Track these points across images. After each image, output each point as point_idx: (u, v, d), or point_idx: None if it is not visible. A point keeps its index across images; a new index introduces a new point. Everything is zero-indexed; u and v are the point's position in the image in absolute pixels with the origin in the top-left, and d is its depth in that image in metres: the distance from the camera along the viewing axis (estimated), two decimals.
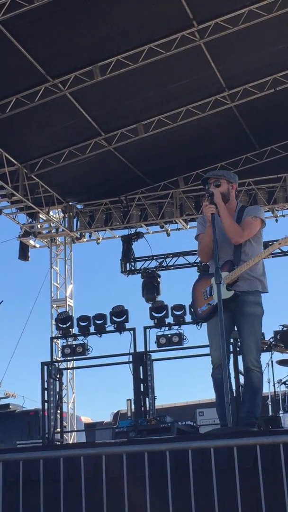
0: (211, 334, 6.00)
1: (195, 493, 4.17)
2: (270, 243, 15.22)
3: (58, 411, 12.55)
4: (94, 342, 12.81)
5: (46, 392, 12.30)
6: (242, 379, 7.91)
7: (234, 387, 7.24)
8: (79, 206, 16.10)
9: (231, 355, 7.87)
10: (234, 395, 8.65)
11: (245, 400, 5.98)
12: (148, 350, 12.30)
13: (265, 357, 10.92)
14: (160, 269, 15.45)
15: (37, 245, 16.58)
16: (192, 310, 11.19)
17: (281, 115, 13.47)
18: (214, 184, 6.09)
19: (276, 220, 15.18)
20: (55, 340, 13.68)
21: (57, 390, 12.55)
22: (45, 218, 15.94)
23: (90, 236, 16.40)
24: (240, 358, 6.80)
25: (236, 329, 6.06)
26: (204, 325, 6.26)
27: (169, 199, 15.33)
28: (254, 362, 5.91)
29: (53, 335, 14.43)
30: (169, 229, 15.82)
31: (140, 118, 13.26)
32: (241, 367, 7.13)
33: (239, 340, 6.06)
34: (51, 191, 15.15)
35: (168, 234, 15.84)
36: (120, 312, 12.62)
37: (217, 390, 5.90)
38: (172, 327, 12.38)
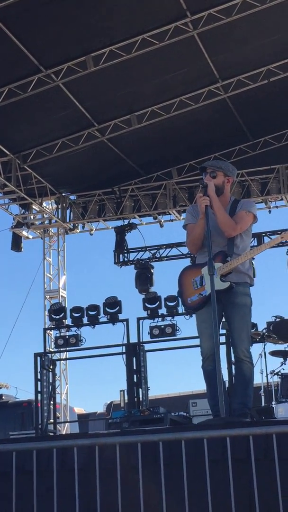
0: (201, 325, 6.01)
1: (188, 483, 4.18)
2: (264, 234, 15.29)
3: (51, 402, 12.57)
4: (87, 333, 12.84)
5: (39, 383, 12.32)
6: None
7: (224, 378, 7.26)
8: (72, 197, 16.08)
9: (222, 347, 7.88)
10: (227, 385, 8.68)
11: (236, 391, 5.99)
12: (141, 341, 12.32)
13: (258, 348, 10.96)
14: (153, 260, 15.45)
15: (30, 236, 16.56)
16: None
17: (274, 106, 13.47)
18: (211, 175, 6.08)
19: (269, 212, 15.19)
20: (48, 331, 13.68)
21: (50, 381, 12.57)
22: (38, 209, 15.91)
23: (83, 227, 16.38)
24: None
25: (224, 320, 6.08)
26: (194, 316, 6.27)
27: (163, 190, 15.32)
28: (245, 353, 5.92)
29: (46, 326, 14.43)
30: (162, 220, 15.81)
31: (133, 109, 13.24)
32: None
33: (229, 331, 6.07)
34: (44, 182, 15.13)
35: (161, 225, 15.83)
36: (113, 303, 12.62)
37: (208, 381, 5.91)
38: (165, 318, 12.40)
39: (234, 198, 6.42)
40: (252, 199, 14.87)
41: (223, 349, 6.07)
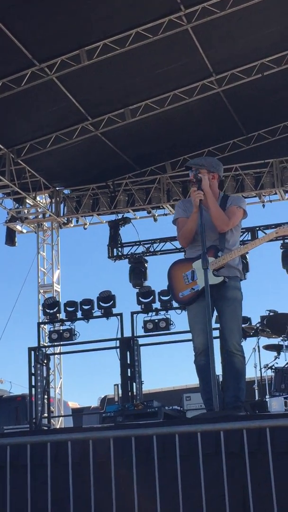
0: (192, 320, 6.01)
1: (182, 477, 4.19)
2: (257, 228, 15.29)
3: (45, 396, 12.57)
4: (81, 327, 12.84)
5: (33, 377, 12.32)
6: None
7: (218, 372, 7.27)
8: (66, 191, 16.06)
9: (216, 341, 7.88)
10: (221, 380, 8.69)
11: (229, 385, 6.00)
12: (135, 335, 12.33)
13: (251, 342, 10.98)
14: (147, 254, 15.44)
15: (24, 231, 16.53)
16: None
17: (268, 100, 13.47)
18: (195, 174, 6.08)
19: (263, 206, 15.20)
20: (42, 325, 13.68)
21: (44, 375, 12.57)
22: (32, 203, 15.89)
23: (77, 221, 16.36)
24: None
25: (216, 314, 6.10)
26: (185, 310, 6.28)
27: (156, 184, 15.31)
28: (237, 346, 5.94)
29: (40, 321, 14.43)
30: (156, 215, 15.80)
31: (127, 103, 13.21)
32: None
33: (220, 324, 6.08)
34: (38, 176, 15.10)
35: (155, 220, 15.82)
36: (107, 298, 12.62)
37: (200, 376, 5.93)
38: (159, 312, 12.41)
39: (224, 193, 6.44)
40: (245, 193, 14.91)
41: (216, 343, 6.07)
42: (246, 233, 14.43)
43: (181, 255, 6.45)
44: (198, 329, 5.87)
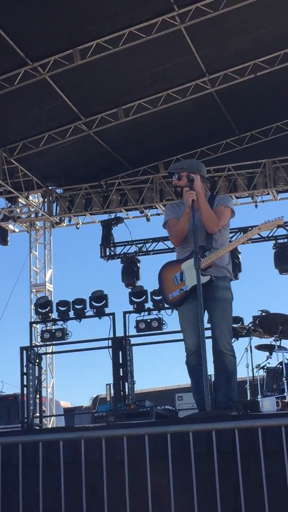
0: (184, 321, 6.03)
1: (174, 477, 4.19)
2: (250, 228, 15.34)
3: (37, 396, 12.56)
4: (73, 327, 12.84)
5: (25, 376, 12.31)
6: None
7: (210, 372, 7.27)
8: (58, 190, 16.04)
9: (208, 341, 7.89)
10: (213, 380, 8.71)
11: (220, 385, 6.01)
12: (127, 335, 12.34)
13: (243, 342, 10.98)
14: (140, 254, 15.44)
15: (17, 230, 16.52)
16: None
17: (261, 100, 13.48)
18: (178, 178, 6.12)
19: (256, 206, 15.23)
20: (35, 325, 13.67)
21: (36, 374, 12.57)
22: (24, 203, 15.87)
23: (69, 221, 16.35)
24: None
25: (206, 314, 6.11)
26: (176, 311, 6.30)
27: (149, 184, 15.32)
28: (227, 346, 5.95)
29: (32, 320, 14.42)
30: (149, 214, 15.81)
31: (120, 102, 13.21)
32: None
33: (210, 324, 6.09)
34: (31, 175, 15.09)
35: (148, 219, 15.83)
36: (99, 297, 12.63)
37: (192, 376, 5.94)
38: (152, 312, 12.42)
39: (210, 194, 6.46)
40: (238, 193, 14.94)
41: (208, 343, 6.09)
42: (239, 233, 14.43)
43: (173, 255, 6.47)
44: (189, 329, 5.89)
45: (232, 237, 13.05)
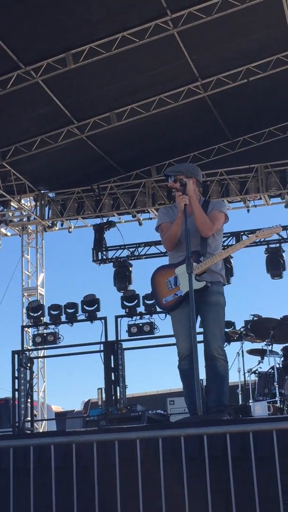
0: (177, 326, 6.03)
1: (165, 481, 4.19)
2: (242, 233, 15.32)
3: (29, 400, 12.55)
4: (65, 331, 12.84)
5: (16, 380, 12.30)
6: None
7: (201, 377, 7.28)
8: (51, 194, 16.03)
9: (200, 345, 7.89)
10: (205, 384, 8.71)
11: (212, 389, 6.01)
12: (119, 339, 12.33)
13: (235, 347, 11.00)
14: (132, 258, 15.44)
15: (9, 234, 16.50)
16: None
17: (253, 105, 13.50)
18: (174, 181, 6.13)
19: (248, 211, 15.24)
20: (26, 328, 13.65)
21: (28, 378, 12.56)
22: (16, 206, 15.86)
23: (62, 224, 16.34)
24: None
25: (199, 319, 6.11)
26: (169, 316, 6.30)
27: (142, 188, 15.32)
28: (219, 350, 5.96)
29: (24, 324, 14.40)
30: (141, 219, 15.80)
31: (113, 106, 13.21)
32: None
33: (202, 329, 6.09)
34: (23, 179, 15.07)
35: (140, 224, 15.83)
36: (91, 301, 12.63)
37: (184, 380, 5.94)
38: (144, 316, 12.43)
39: (204, 198, 6.47)
40: (230, 198, 14.96)
41: (200, 347, 6.11)
42: (231, 237, 14.46)
43: (165, 259, 6.47)
44: (183, 334, 5.89)
45: (224, 241, 13.08)
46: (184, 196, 5.96)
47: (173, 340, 6.20)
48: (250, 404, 9.73)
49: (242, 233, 14.58)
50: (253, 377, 10.50)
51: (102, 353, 12.08)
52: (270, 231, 6.15)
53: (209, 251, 6.02)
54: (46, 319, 12.98)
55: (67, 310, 12.75)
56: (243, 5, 10.79)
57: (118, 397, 11.90)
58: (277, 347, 10.29)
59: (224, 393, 5.92)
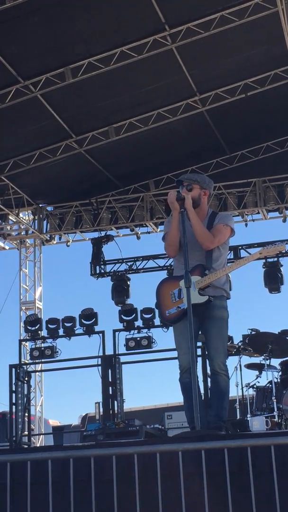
0: (179, 338, 6.01)
1: (163, 496, 4.17)
2: (240, 247, 15.32)
3: (26, 414, 12.49)
4: (63, 344, 12.79)
5: (14, 394, 12.24)
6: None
7: (201, 391, 7.26)
8: (49, 208, 16.04)
9: (199, 359, 7.88)
10: (203, 398, 8.70)
11: (212, 404, 6.00)
12: (117, 353, 12.30)
13: (233, 361, 10.97)
14: (130, 272, 15.43)
15: (7, 247, 16.50)
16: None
17: (251, 120, 13.55)
18: (187, 188, 6.13)
19: (246, 225, 15.26)
20: (24, 342, 13.61)
21: (25, 392, 12.50)
22: (14, 220, 15.87)
23: (60, 238, 16.35)
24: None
25: (201, 333, 6.09)
26: (171, 328, 6.28)
27: (140, 202, 15.34)
28: (221, 366, 5.94)
29: (21, 338, 14.35)
30: (139, 232, 15.82)
31: (111, 121, 13.25)
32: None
33: (205, 343, 6.08)
34: (21, 192, 15.08)
35: (138, 237, 15.84)
36: (89, 315, 12.60)
37: (185, 394, 5.91)
38: (141, 330, 12.39)
39: (212, 211, 6.45)
40: (228, 212, 14.96)
41: (200, 361, 6.10)
42: (229, 252, 14.38)
43: (163, 273, 6.47)
44: (185, 347, 5.86)
45: None
46: (178, 203, 5.99)
47: (171, 354, 6.21)
48: (248, 418, 9.72)
49: (240, 248, 14.58)
50: (251, 392, 10.49)
51: (99, 367, 12.04)
52: (274, 249, 6.14)
53: (214, 265, 6.00)
54: (43, 332, 12.95)
55: (65, 324, 12.72)
56: (241, 20, 10.86)
57: (116, 412, 11.85)
58: (275, 362, 10.29)
59: (224, 409, 5.90)
